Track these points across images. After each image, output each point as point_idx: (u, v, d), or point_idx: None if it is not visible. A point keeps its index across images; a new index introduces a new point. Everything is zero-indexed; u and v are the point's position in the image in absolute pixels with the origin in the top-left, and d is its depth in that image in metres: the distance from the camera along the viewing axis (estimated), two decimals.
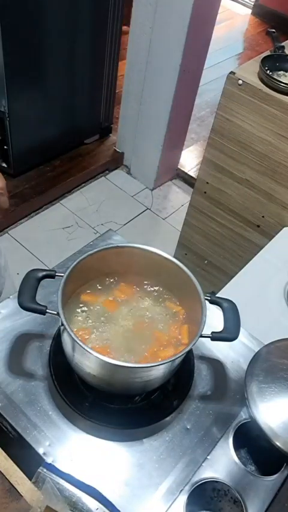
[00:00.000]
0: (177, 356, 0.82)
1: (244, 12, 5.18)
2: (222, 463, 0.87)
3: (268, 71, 1.59)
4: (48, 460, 0.82)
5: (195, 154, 3.25)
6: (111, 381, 0.88)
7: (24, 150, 2.58)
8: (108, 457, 0.85)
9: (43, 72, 2.43)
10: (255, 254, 1.55)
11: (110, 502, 0.78)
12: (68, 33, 2.42)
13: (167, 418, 0.91)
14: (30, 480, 0.76)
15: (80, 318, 0.92)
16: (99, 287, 0.96)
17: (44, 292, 0.90)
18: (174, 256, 0.93)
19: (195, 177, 2.07)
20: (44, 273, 0.88)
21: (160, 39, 2.40)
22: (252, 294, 1.37)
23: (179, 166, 3.10)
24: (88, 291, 0.95)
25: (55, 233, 2.58)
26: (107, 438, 0.87)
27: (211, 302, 0.92)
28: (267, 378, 0.92)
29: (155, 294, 0.98)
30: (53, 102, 2.62)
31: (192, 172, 3.05)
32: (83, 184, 2.92)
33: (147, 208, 2.91)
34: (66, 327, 0.80)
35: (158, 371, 0.85)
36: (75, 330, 0.89)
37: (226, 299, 0.93)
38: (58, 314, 0.81)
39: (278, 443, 0.85)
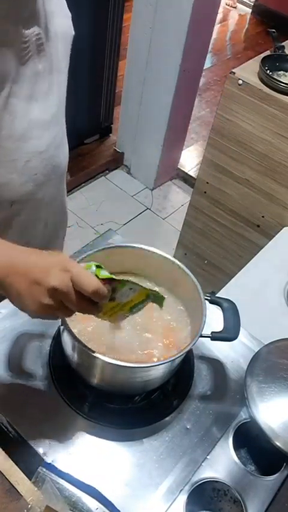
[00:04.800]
0: (177, 356, 0.82)
1: (244, 12, 5.18)
2: (222, 463, 0.87)
3: (268, 71, 1.59)
4: (48, 459, 0.82)
5: (195, 154, 3.25)
6: (111, 381, 0.88)
7: None
8: (108, 457, 0.85)
9: None
10: (255, 254, 1.55)
11: (110, 502, 0.78)
12: None
13: (167, 418, 0.91)
14: (30, 480, 0.76)
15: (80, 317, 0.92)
16: None
17: None
18: (174, 256, 0.92)
19: (195, 177, 2.07)
20: None
21: (160, 39, 2.40)
22: (252, 294, 1.37)
23: (179, 166, 3.10)
24: None
25: None
26: (107, 438, 0.87)
27: (211, 302, 0.92)
28: (267, 378, 0.92)
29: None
30: None
31: (192, 172, 3.05)
32: (83, 184, 2.92)
33: (147, 208, 2.91)
34: (66, 326, 0.80)
35: (157, 371, 0.85)
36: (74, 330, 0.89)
37: (226, 299, 0.93)
38: None
39: (278, 443, 0.85)
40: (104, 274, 0.69)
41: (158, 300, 0.82)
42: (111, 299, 0.73)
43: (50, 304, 0.67)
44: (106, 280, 0.69)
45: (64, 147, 1.02)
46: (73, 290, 0.66)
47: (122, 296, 0.74)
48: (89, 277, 0.66)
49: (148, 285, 0.98)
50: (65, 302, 0.67)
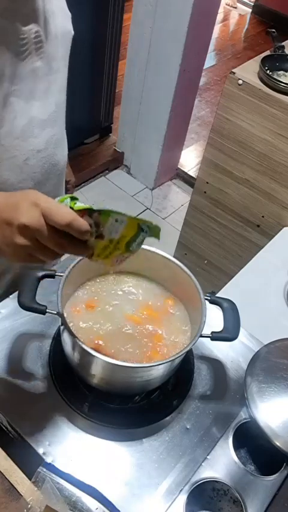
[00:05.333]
0: (176, 356, 0.82)
1: (244, 12, 5.18)
2: (222, 462, 0.87)
3: (268, 71, 1.59)
4: (48, 459, 0.82)
5: (195, 154, 3.25)
6: (111, 381, 0.88)
7: None
8: (108, 457, 0.85)
9: None
10: (255, 254, 1.55)
11: (110, 502, 0.78)
12: None
13: (167, 418, 0.91)
14: (30, 480, 0.76)
15: (80, 317, 0.92)
16: (98, 287, 0.96)
17: (44, 292, 0.90)
18: (174, 256, 0.92)
19: (195, 177, 2.07)
20: (44, 272, 0.88)
21: (160, 39, 2.40)
22: (252, 294, 1.37)
23: (179, 166, 3.10)
24: (88, 291, 0.95)
25: None
26: (107, 438, 0.87)
27: (211, 302, 0.92)
28: (267, 377, 0.92)
29: (155, 293, 0.98)
30: None
31: (192, 172, 3.05)
32: (82, 184, 2.92)
33: (147, 208, 2.91)
34: (66, 326, 0.80)
35: (157, 371, 0.85)
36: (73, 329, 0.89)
37: (226, 299, 0.93)
38: (58, 314, 0.81)
39: (277, 443, 0.85)
40: (80, 205, 0.62)
41: (154, 231, 0.73)
42: (99, 236, 0.65)
43: (25, 244, 0.61)
44: (84, 212, 0.62)
45: (63, 146, 1.02)
46: (46, 225, 0.60)
47: (110, 231, 0.66)
48: (61, 209, 0.60)
49: (149, 285, 0.98)
50: (40, 240, 0.61)
